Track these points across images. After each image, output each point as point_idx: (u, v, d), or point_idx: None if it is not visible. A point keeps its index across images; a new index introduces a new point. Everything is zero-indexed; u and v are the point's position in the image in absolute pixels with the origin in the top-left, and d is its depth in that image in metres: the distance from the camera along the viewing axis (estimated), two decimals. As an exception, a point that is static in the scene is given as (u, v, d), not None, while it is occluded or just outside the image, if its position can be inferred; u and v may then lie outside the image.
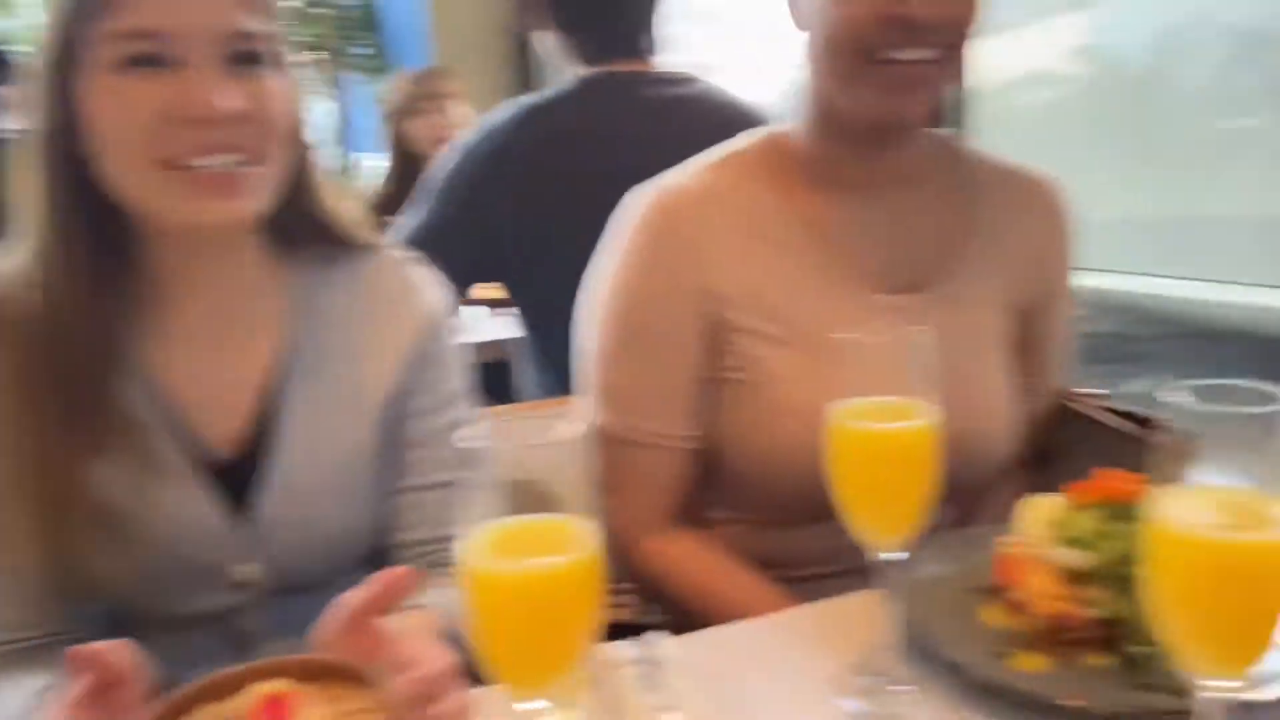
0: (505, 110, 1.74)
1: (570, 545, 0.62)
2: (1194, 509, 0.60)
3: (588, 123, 1.69)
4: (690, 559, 1.15)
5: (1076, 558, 0.87)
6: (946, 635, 0.89)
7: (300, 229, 1.05)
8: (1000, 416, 1.16)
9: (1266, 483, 0.60)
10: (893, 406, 0.81)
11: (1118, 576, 0.85)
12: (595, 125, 1.69)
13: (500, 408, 1.67)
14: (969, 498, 1.16)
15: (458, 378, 1.13)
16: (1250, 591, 0.58)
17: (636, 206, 1.16)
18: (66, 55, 0.90)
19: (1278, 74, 2.72)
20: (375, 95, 3.76)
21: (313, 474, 1.01)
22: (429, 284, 1.13)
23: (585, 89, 1.72)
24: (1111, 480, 0.90)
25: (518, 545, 0.62)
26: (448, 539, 0.64)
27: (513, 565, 0.62)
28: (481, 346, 1.99)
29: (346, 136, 7.29)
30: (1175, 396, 0.60)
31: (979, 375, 1.15)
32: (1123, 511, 0.87)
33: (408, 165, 2.93)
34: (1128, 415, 1.20)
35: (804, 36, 1.08)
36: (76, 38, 0.90)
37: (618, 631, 1.19)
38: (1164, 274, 3.15)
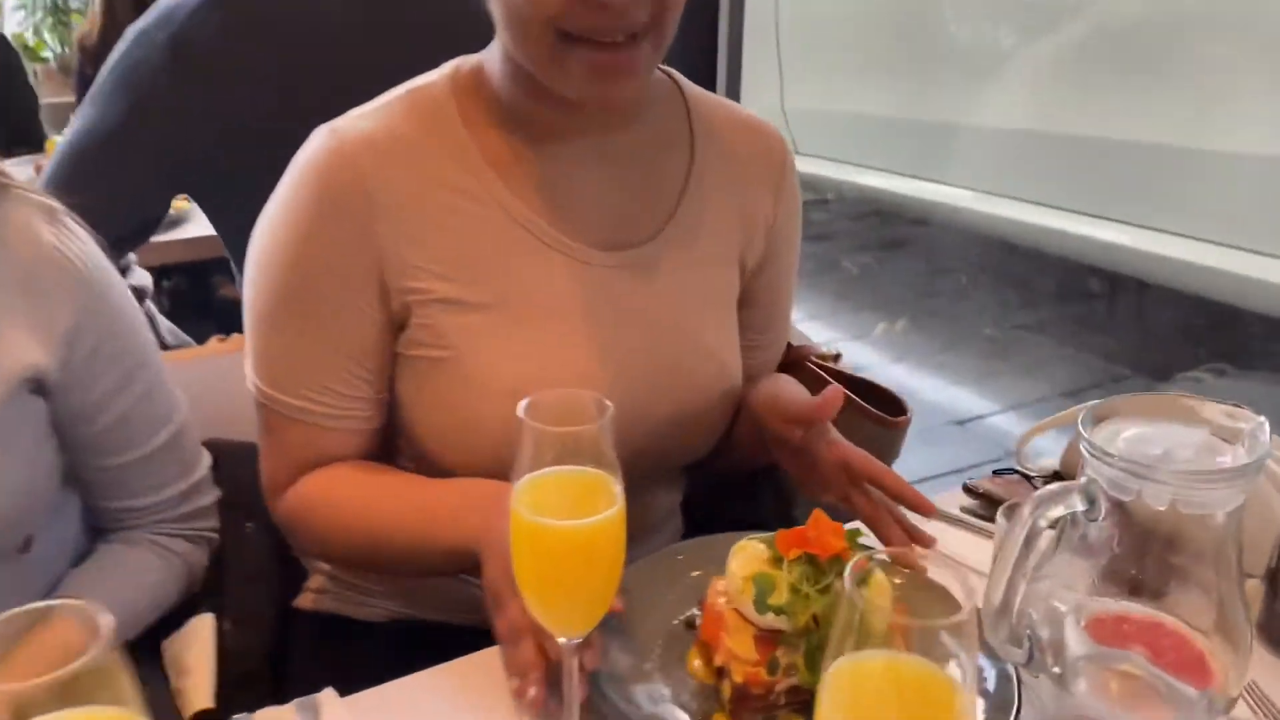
0: None
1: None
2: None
3: (290, 6, 1.43)
4: (337, 484, 1.02)
5: (772, 620, 0.80)
6: (643, 695, 0.82)
7: None
8: (726, 375, 1.09)
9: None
10: (578, 480, 0.70)
11: (810, 642, 0.80)
12: (300, 10, 1.43)
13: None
14: (703, 456, 1.13)
15: (132, 340, 1.01)
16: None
17: (311, 147, 0.98)
18: None
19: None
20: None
21: None
22: (79, 236, 0.97)
23: None
24: (820, 529, 0.83)
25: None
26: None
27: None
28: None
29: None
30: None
31: (701, 334, 1.08)
32: (823, 571, 0.82)
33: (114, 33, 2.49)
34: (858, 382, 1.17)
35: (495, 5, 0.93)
36: None
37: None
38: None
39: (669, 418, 1.05)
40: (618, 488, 0.70)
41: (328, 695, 0.84)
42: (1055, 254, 3.29)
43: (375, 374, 1.00)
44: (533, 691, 0.78)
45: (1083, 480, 0.75)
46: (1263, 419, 0.74)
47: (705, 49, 2.11)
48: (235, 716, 0.81)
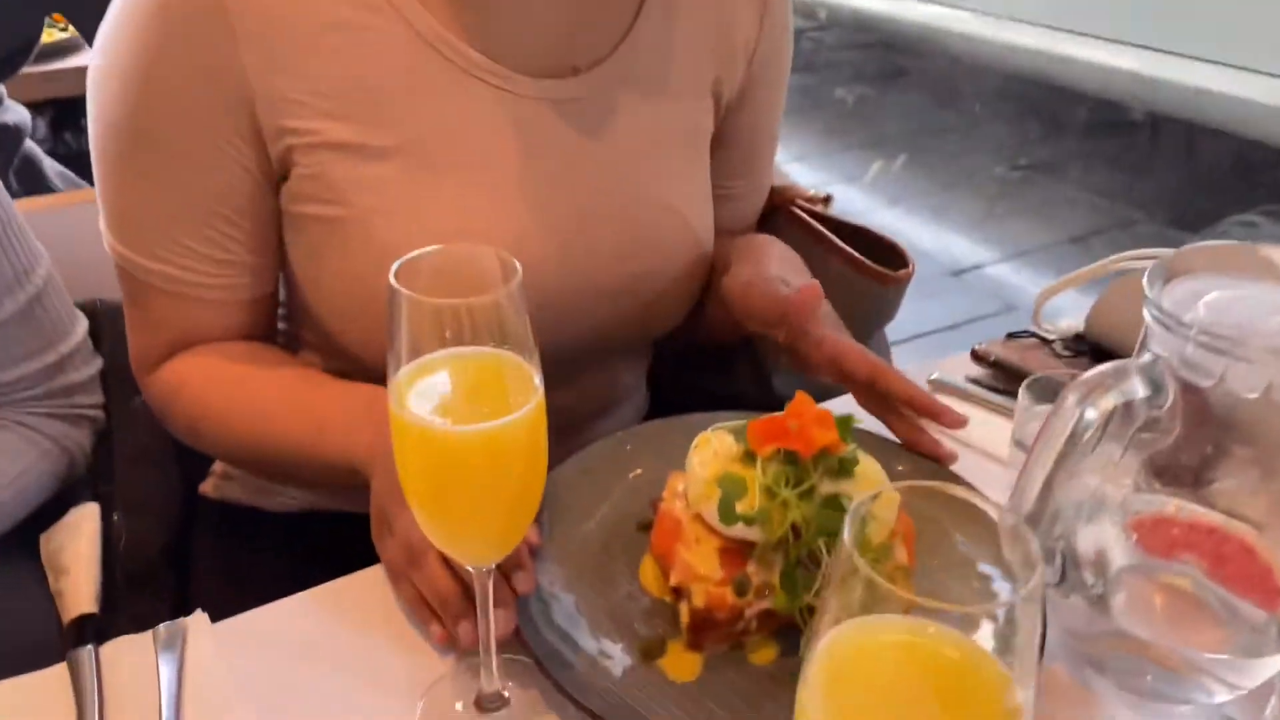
0: None
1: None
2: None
3: None
4: (215, 372, 0.86)
5: (741, 531, 0.64)
6: (579, 622, 0.67)
7: None
8: (692, 235, 0.91)
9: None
10: (480, 366, 0.52)
11: (789, 558, 0.64)
12: None
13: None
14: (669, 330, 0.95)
15: None
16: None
17: None
18: None
19: None
20: None
21: None
22: None
23: None
24: (802, 419, 0.66)
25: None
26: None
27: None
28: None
29: None
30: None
31: (663, 183, 0.89)
32: (805, 471, 0.65)
33: None
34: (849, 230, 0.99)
35: None
36: None
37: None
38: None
39: (625, 288, 0.87)
40: (535, 376, 0.53)
41: (196, 622, 0.69)
42: (1072, 87, 3.04)
43: (250, 235, 0.82)
44: (464, 628, 0.63)
45: (1145, 359, 0.57)
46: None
47: None
48: (75, 650, 0.66)
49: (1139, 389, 0.57)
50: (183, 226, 0.80)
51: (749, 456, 0.67)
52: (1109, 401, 0.57)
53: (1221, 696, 0.64)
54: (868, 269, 0.95)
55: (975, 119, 3.93)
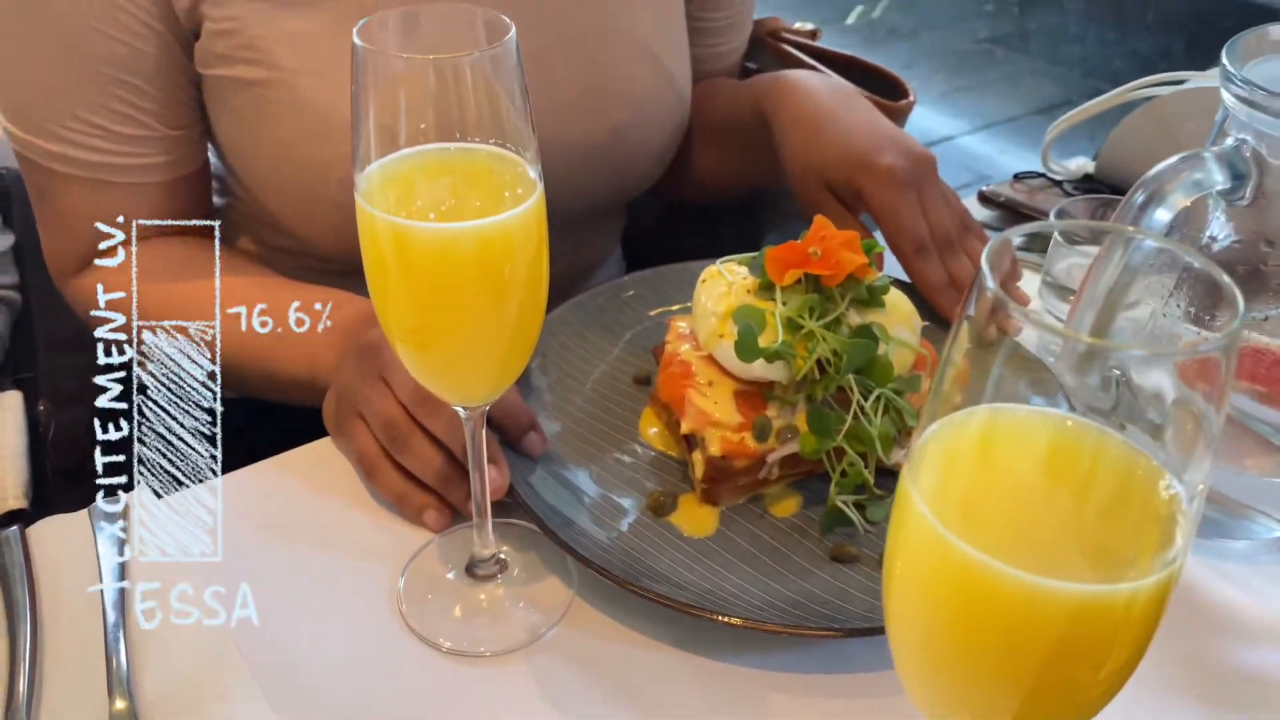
0: None
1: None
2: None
3: None
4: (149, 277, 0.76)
5: (761, 370, 0.57)
6: (581, 477, 0.60)
7: None
8: (670, 82, 0.82)
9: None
10: (465, 158, 0.44)
11: (814, 396, 0.57)
12: None
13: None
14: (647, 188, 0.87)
15: None
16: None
17: None
18: None
19: None
20: None
21: None
22: None
23: None
24: (826, 242, 0.59)
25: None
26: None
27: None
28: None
29: None
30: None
31: (637, 28, 0.80)
32: (832, 299, 0.58)
33: None
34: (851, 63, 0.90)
35: None
36: None
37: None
38: None
39: (600, 143, 0.78)
40: (532, 168, 0.44)
41: (140, 496, 0.60)
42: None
43: (162, 105, 0.71)
44: (457, 497, 0.56)
45: (1226, 144, 0.50)
46: None
47: None
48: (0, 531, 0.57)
49: (1218, 177, 0.50)
50: (81, 98, 0.69)
51: (766, 289, 0.59)
52: (1182, 194, 0.50)
53: (1277, 531, 0.59)
54: (869, 99, 0.86)
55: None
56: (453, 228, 0.41)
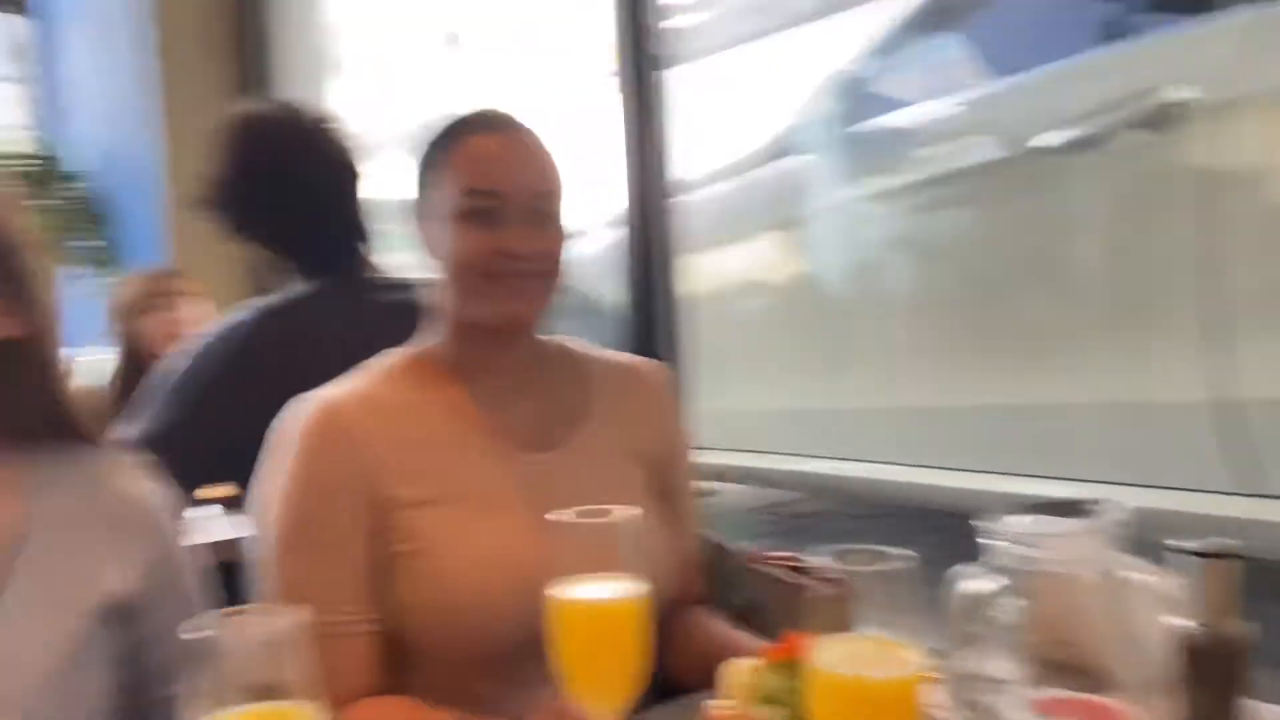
0: (241, 311, 1.78)
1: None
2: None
3: (322, 326, 1.76)
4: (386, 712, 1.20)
5: (768, 714, 0.97)
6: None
7: (39, 424, 1.08)
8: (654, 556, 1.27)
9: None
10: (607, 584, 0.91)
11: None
12: (329, 328, 1.75)
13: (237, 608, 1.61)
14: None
15: (194, 581, 1.17)
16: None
17: (300, 414, 1.28)
18: None
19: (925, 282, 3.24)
20: (102, 290, 3.64)
21: (14, 679, 1.00)
22: (158, 487, 1.17)
23: (319, 292, 1.82)
24: (802, 640, 1.02)
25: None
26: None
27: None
28: (217, 546, 1.94)
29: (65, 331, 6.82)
30: (816, 558, 0.73)
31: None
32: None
33: (136, 362, 2.83)
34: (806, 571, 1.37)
35: (436, 264, 1.32)
36: None
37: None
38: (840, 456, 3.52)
39: None
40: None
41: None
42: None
43: (372, 582, 1.24)
44: None
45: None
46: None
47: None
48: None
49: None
50: (336, 580, 1.21)
51: (763, 670, 1.01)
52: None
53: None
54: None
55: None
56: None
